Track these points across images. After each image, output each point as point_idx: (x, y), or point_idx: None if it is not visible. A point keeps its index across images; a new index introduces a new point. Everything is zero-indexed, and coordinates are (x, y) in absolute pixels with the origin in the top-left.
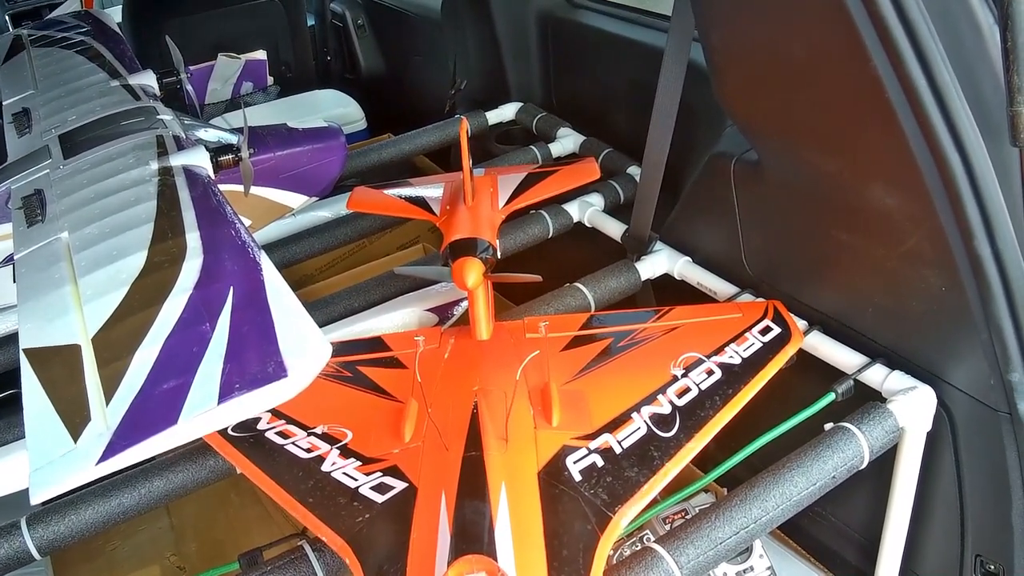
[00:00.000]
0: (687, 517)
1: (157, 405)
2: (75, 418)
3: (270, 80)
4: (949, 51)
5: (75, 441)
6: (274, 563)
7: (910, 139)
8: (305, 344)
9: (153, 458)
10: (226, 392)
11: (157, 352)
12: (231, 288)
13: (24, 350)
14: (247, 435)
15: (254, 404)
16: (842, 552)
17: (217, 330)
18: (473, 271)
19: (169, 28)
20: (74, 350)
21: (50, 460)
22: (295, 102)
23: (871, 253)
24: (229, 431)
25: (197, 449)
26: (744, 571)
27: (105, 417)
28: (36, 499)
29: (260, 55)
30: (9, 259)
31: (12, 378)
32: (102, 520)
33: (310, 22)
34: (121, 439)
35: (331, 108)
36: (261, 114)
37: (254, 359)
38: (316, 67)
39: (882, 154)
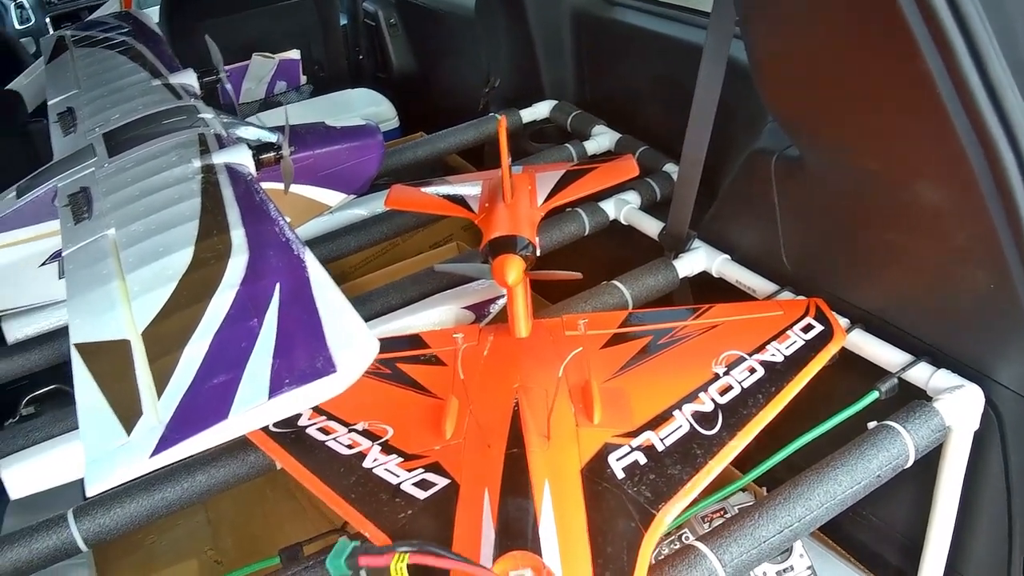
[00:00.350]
0: (726, 516)
1: (208, 400)
2: (128, 412)
3: (303, 79)
4: (1002, 43)
5: (128, 434)
6: (315, 557)
7: (961, 134)
8: (353, 340)
9: (197, 453)
10: (276, 387)
11: (206, 347)
12: (277, 284)
13: (75, 345)
14: (289, 431)
15: (303, 399)
16: (883, 553)
17: (265, 326)
18: (513, 268)
19: (204, 28)
20: (124, 345)
21: (104, 453)
22: (328, 101)
23: (916, 250)
24: (271, 427)
25: (238, 445)
26: (784, 571)
27: (157, 411)
28: (92, 491)
29: (294, 54)
30: (55, 256)
31: (56, 373)
32: (146, 514)
33: (342, 21)
34: (173, 433)
35: (364, 107)
36: (295, 113)
37: (303, 354)
38: (348, 66)
39: (930, 150)
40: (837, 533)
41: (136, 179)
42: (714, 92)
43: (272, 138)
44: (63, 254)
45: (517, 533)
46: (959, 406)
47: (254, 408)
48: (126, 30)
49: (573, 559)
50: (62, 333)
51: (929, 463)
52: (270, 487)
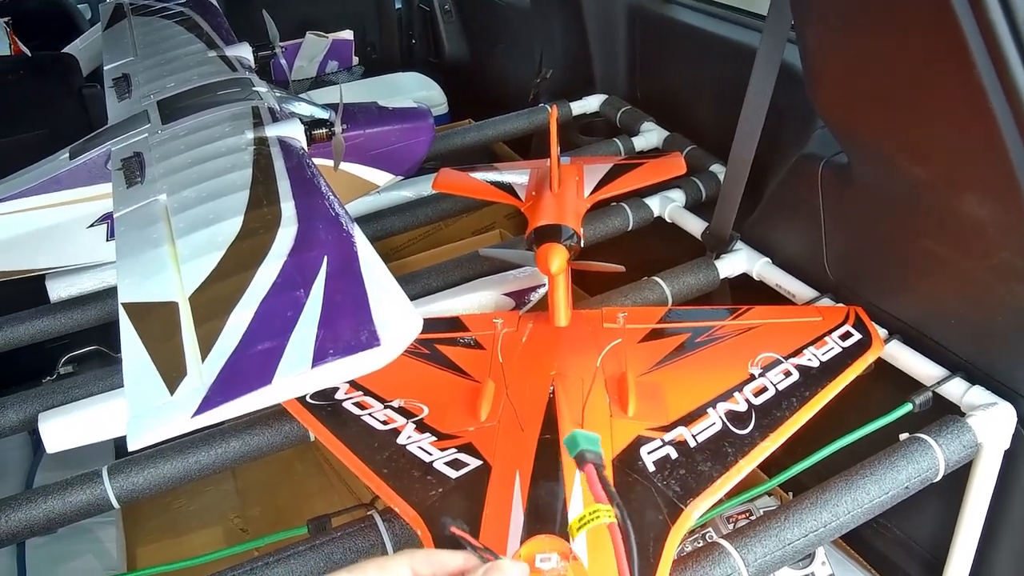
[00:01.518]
0: (751, 518)
1: (251, 364)
2: (172, 372)
3: (355, 60)
4: None
5: (171, 394)
6: (343, 529)
7: (1011, 149)
8: (397, 316)
9: (236, 417)
10: (320, 356)
11: (252, 314)
12: (325, 257)
13: (123, 304)
14: (325, 403)
15: (346, 370)
16: (905, 566)
17: (311, 296)
18: (557, 257)
19: (260, 3)
20: (171, 307)
21: (147, 410)
22: (379, 83)
23: (959, 264)
24: (307, 399)
25: (274, 414)
26: None
27: (201, 373)
28: (133, 446)
29: (347, 35)
30: (104, 218)
31: (96, 334)
32: (179, 475)
33: (397, 5)
34: (216, 395)
35: (414, 90)
36: (345, 92)
37: (347, 327)
38: (401, 49)
39: (979, 163)
40: (859, 543)
41: (189, 147)
42: (765, 95)
43: (324, 115)
44: (114, 216)
45: (546, 517)
46: (992, 424)
47: (297, 376)
48: (183, 1)
49: (600, 547)
50: (104, 295)
51: (956, 478)
52: (299, 460)
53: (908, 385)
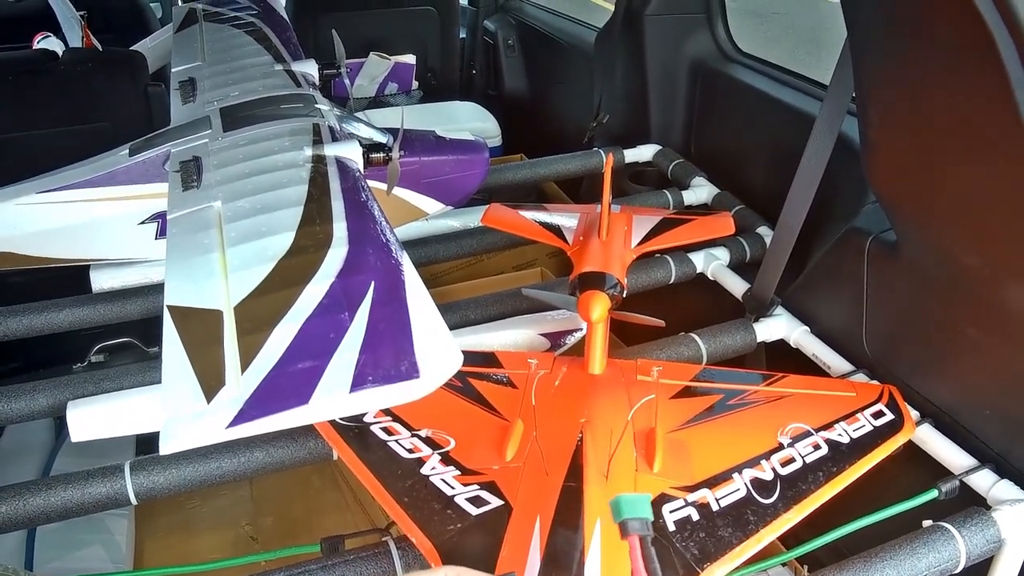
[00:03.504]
0: None
1: (290, 382)
2: (211, 380)
3: (415, 84)
4: None
5: (208, 402)
6: (357, 553)
7: None
8: (439, 349)
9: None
10: (359, 382)
11: (296, 331)
12: (372, 282)
13: (168, 306)
14: (353, 425)
15: (382, 399)
16: None
17: (356, 320)
18: (599, 305)
19: (326, 21)
20: (216, 315)
21: (183, 415)
22: (436, 109)
23: (999, 354)
24: (336, 419)
25: (300, 430)
26: None
27: (239, 384)
28: (165, 449)
29: (409, 59)
30: (155, 216)
31: (130, 327)
32: (200, 479)
33: (461, 35)
34: (252, 408)
35: (470, 121)
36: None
37: (389, 355)
38: (461, 79)
39: None
40: None
41: (248, 157)
42: (821, 163)
43: (382, 139)
44: (168, 217)
45: (563, 565)
46: (1017, 520)
47: (334, 398)
48: (255, 12)
49: None
50: (145, 291)
51: (976, 571)
52: (317, 474)
53: (935, 469)
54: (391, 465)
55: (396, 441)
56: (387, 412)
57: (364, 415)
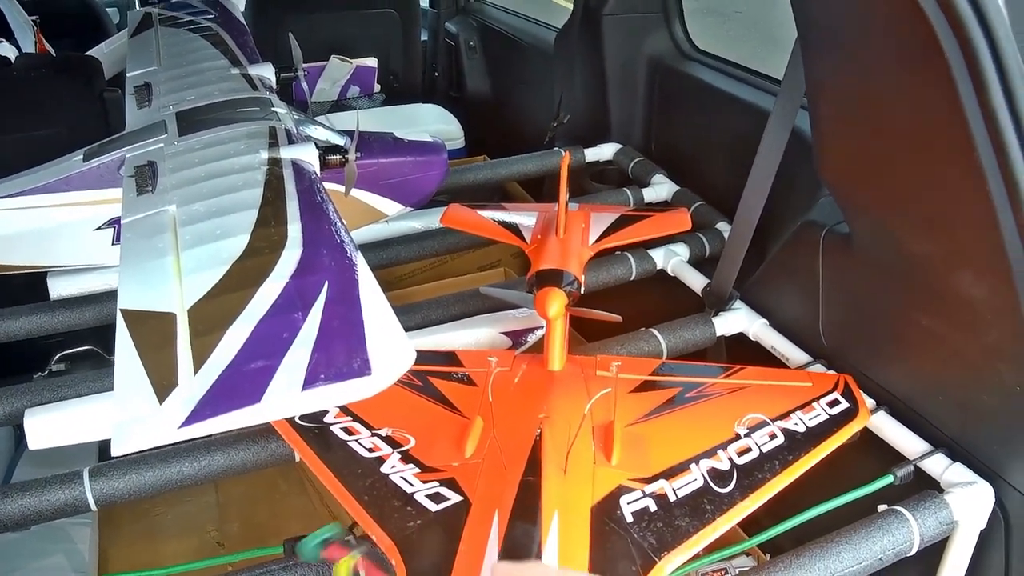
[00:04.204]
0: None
1: (243, 382)
2: (163, 382)
3: (377, 87)
4: None
5: (160, 403)
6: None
7: (1005, 233)
8: (391, 347)
9: (221, 432)
10: (310, 380)
11: (249, 332)
12: (326, 282)
13: (121, 310)
14: (313, 426)
15: (335, 396)
16: None
17: (308, 320)
18: (556, 302)
19: (288, 24)
20: (169, 318)
21: (135, 417)
22: (398, 112)
23: (950, 341)
24: (296, 419)
25: (261, 432)
26: None
27: (191, 385)
28: (117, 451)
29: (371, 62)
30: (111, 222)
31: (90, 334)
32: (160, 484)
33: (423, 37)
34: (204, 408)
35: (432, 123)
36: (363, 119)
37: (341, 353)
38: (423, 81)
39: (975, 244)
40: None
41: (203, 161)
42: (775, 158)
43: (340, 141)
44: (122, 222)
45: (520, 557)
46: (969, 502)
47: (287, 397)
48: (212, 16)
49: None
50: (103, 297)
51: (929, 554)
52: (283, 478)
53: (891, 456)
54: (351, 464)
55: (356, 441)
56: (347, 412)
57: (324, 415)
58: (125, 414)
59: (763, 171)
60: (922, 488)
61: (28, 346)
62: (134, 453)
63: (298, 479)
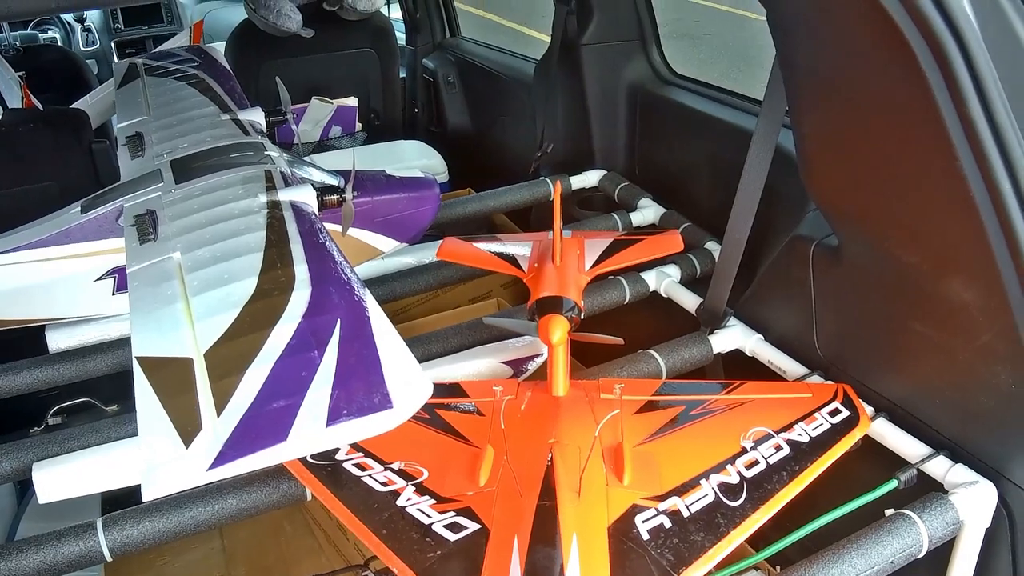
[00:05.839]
0: None
1: (267, 421)
2: (187, 426)
3: (358, 126)
4: None
5: (187, 447)
6: None
7: (990, 237)
8: (409, 379)
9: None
10: (334, 416)
11: (267, 373)
12: (339, 320)
13: (137, 358)
14: (326, 463)
15: (359, 431)
16: None
17: (325, 358)
18: (559, 328)
19: (268, 69)
20: (187, 363)
21: (162, 462)
22: (381, 149)
23: (944, 345)
24: (308, 458)
25: (271, 472)
26: None
27: (215, 428)
28: (148, 496)
29: (351, 102)
30: (111, 272)
31: (87, 386)
32: (174, 530)
33: (401, 74)
34: (231, 449)
35: (415, 158)
36: (348, 158)
37: (361, 388)
38: (403, 118)
39: (962, 249)
40: None
41: (203, 207)
42: (760, 176)
43: (334, 181)
44: (128, 271)
45: None
46: (973, 502)
47: (311, 433)
48: (196, 63)
49: None
50: (105, 348)
51: (937, 556)
52: (288, 521)
53: (893, 462)
54: (366, 499)
55: (370, 476)
56: (358, 448)
57: (336, 452)
58: (152, 459)
59: (750, 189)
60: (926, 491)
61: (21, 400)
62: (147, 502)
63: (303, 521)
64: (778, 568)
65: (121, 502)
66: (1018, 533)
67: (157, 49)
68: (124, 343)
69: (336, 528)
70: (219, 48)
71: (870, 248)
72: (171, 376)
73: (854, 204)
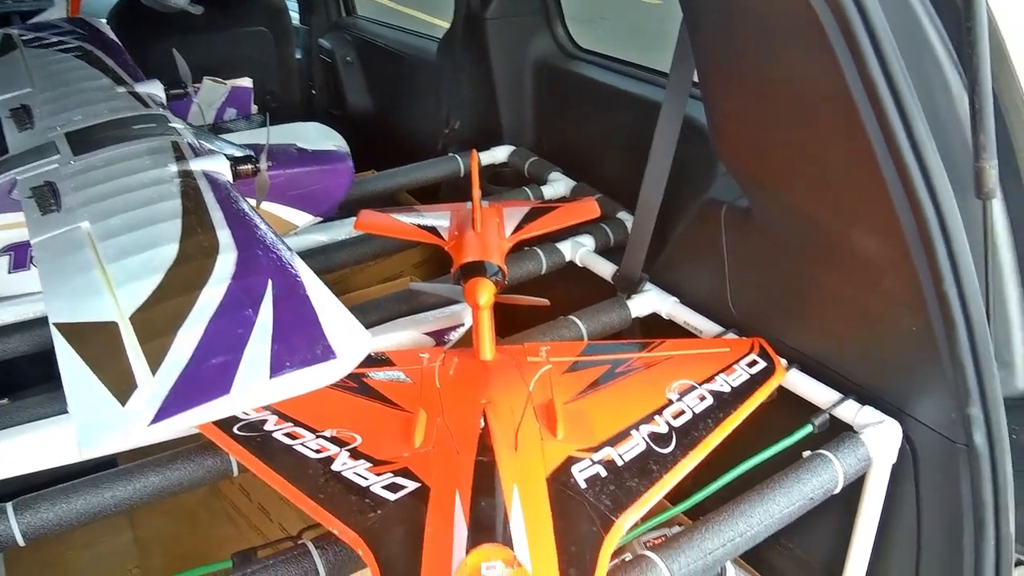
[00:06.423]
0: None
1: (207, 377)
2: (121, 386)
3: (254, 108)
4: (926, 110)
5: (123, 405)
6: (276, 558)
7: (890, 188)
8: (348, 332)
9: (149, 454)
10: (277, 368)
11: (201, 332)
12: (270, 280)
13: (55, 324)
14: (254, 435)
15: (305, 382)
16: None
17: (261, 316)
18: (485, 291)
19: (154, 48)
20: (112, 327)
21: (97, 420)
22: (279, 132)
23: (849, 295)
24: (235, 430)
25: (195, 450)
26: None
27: (152, 385)
28: (85, 455)
29: (246, 82)
30: (7, 248)
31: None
32: (92, 511)
33: (297, 55)
34: (172, 405)
35: (316, 141)
36: (246, 140)
37: (301, 342)
38: (302, 99)
39: (864, 201)
40: (761, 563)
41: (108, 178)
42: (671, 144)
43: (243, 154)
44: (32, 242)
45: (488, 528)
46: (880, 440)
47: (255, 386)
48: (81, 35)
49: (541, 555)
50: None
51: (849, 496)
52: (204, 508)
53: (806, 410)
54: (301, 466)
55: (302, 444)
56: (287, 418)
57: (264, 423)
58: (86, 417)
59: (660, 157)
60: (838, 434)
61: None
62: (55, 482)
63: (221, 508)
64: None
65: (29, 489)
66: (921, 466)
67: (32, 21)
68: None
69: (259, 511)
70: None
71: (779, 207)
72: (96, 341)
73: (763, 167)
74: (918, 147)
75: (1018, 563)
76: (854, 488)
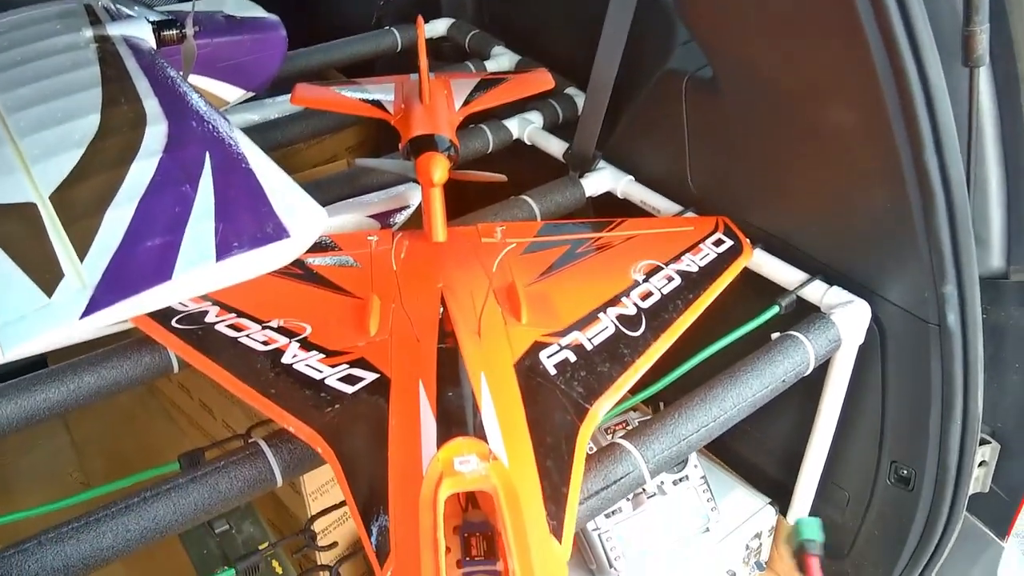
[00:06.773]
0: (628, 428)
1: (145, 261)
2: (45, 274)
3: None
4: None
5: (49, 296)
6: (227, 459)
7: (873, 53)
8: (300, 207)
9: (80, 353)
10: (224, 250)
11: (132, 211)
12: (207, 152)
13: None
14: (195, 327)
15: (256, 264)
16: (766, 467)
17: (200, 192)
18: (439, 166)
19: None
20: (30, 208)
21: (21, 315)
22: (198, 7)
23: (821, 171)
24: (173, 323)
25: (131, 345)
26: (681, 479)
27: (80, 273)
28: (10, 355)
29: None
30: None
31: None
32: (24, 415)
33: None
34: (106, 294)
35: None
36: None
37: (249, 220)
38: None
39: (844, 69)
40: (724, 450)
41: (13, 44)
42: (627, 13)
43: (167, 18)
44: None
45: (459, 421)
46: (848, 320)
47: (201, 270)
48: None
49: (516, 447)
50: None
51: (811, 382)
52: (141, 407)
53: (769, 295)
54: (248, 360)
55: (247, 336)
56: (230, 309)
57: (205, 315)
58: (9, 314)
59: (615, 28)
60: (805, 315)
61: None
62: None
63: (158, 406)
64: (662, 405)
65: None
66: (889, 346)
67: None
68: None
69: (201, 409)
70: None
71: (748, 77)
72: (12, 224)
73: (732, 30)
74: (905, 6)
75: (983, 442)
76: (818, 371)
